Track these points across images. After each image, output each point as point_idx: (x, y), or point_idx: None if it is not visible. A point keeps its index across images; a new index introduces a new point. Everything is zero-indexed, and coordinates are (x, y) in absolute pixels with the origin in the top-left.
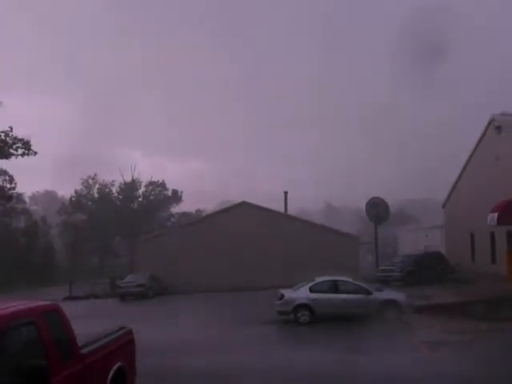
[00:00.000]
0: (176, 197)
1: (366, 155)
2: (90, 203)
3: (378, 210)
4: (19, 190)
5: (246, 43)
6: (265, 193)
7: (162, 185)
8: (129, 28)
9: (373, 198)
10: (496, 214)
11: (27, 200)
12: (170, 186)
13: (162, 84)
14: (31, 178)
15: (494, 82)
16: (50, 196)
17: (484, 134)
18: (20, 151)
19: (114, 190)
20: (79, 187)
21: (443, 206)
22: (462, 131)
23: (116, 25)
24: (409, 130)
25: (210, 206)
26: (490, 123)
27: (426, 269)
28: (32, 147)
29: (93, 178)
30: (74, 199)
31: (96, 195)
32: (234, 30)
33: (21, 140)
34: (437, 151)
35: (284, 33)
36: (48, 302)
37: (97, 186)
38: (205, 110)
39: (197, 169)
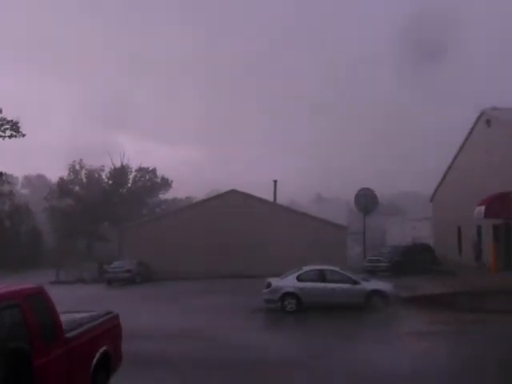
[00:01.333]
0: (166, 184)
1: (359, 148)
2: (77, 188)
3: (366, 200)
4: (8, 171)
5: (239, 32)
6: (256, 182)
7: (153, 171)
8: (118, 12)
9: (362, 189)
10: (483, 208)
11: (19, 183)
12: (161, 173)
13: (157, 71)
14: (23, 161)
15: (484, 78)
16: (41, 180)
17: (473, 128)
18: (8, 133)
19: (104, 175)
20: (66, 172)
21: (431, 199)
22: (452, 124)
23: (97, 6)
24: (400, 123)
25: (200, 194)
26: (479, 117)
27: (413, 260)
28: (20, 129)
29: (79, 163)
30: (61, 184)
31: (84, 180)
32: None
33: (9, 122)
34: (427, 145)
35: (283, 30)
36: (33, 285)
37: (84, 171)
38: (198, 98)
39: (188, 156)
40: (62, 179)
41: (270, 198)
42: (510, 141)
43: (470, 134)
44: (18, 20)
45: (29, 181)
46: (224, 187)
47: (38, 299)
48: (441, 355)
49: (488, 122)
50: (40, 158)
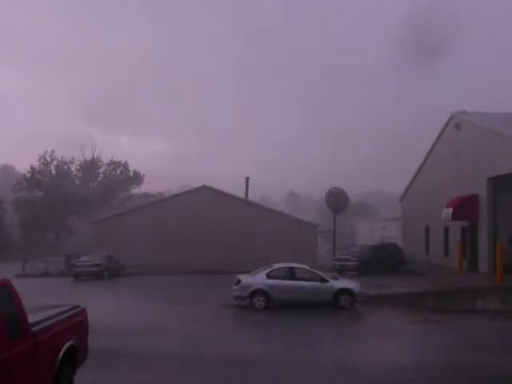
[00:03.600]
0: (138, 178)
1: (332, 146)
2: (46, 180)
3: (337, 199)
4: None
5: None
6: (228, 177)
7: (125, 165)
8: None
9: (333, 188)
10: (451, 210)
11: None
12: (133, 167)
13: (131, 63)
14: None
15: (455, 81)
16: (8, 170)
17: (443, 131)
18: None
19: (74, 167)
20: (36, 163)
21: (401, 199)
22: (425, 125)
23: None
24: (374, 123)
25: (172, 189)
26: (449, 120)
27: (382, 259)
28: None
29: (50, 155)
30: (29, 175)
31: (53, 172)
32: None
33: None
34: (400, 145)
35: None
36: None
37: (54, 162)
38: (171, 92)
39: (161, 151)
40: (32, 169)
41: (242, 194)
42: (478, 145)
43: (439, 136)
44: None
45: None
46: (196, 182)
47: (3, 292)
48: (403, 354)
49: (457, 125)
50: (7, 148)
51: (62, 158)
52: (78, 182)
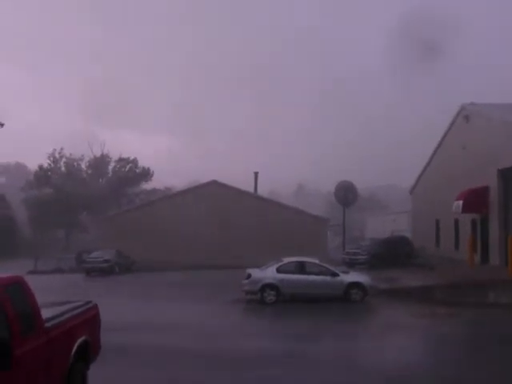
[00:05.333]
0: (146, 174)
1: (341, 140)
2: (56, 177)
3: (346, 193)
4: None
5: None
6: (237, 172)
7: (134, 161)
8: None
9: (342, 182)
10: (461, 202)
11: None
12: (142, 163)
13: (138, 61)
14: (1, 148)
15: (466, 72)
16: (20, 168)
17: (453, 123)
18: None
19: (83, 164)
20: (45, 161)
21: (410, 192)
22: (434, 118)
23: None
24: (383, 116)
25: (181, 184)
26: (459, 112)
27: (392, 253)
28: None
29: (59, 152)
30: (39, 173)
31: (63, 169)
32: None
33: None
34: (410, 138)
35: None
36: (12, 275)
37: (63, 159)
38: (180, 88)
39: (170, 147)
40: (40, 168)
41: (251, 189)
42: (488, 136)
43: (449, 128)
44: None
45: (6, 169)
46: (205, 178)
47: (16, 289)
48: (417, 347)
49: (467, 117)
50: (19, 145)
51: (70, 155)
52: (87, 179)
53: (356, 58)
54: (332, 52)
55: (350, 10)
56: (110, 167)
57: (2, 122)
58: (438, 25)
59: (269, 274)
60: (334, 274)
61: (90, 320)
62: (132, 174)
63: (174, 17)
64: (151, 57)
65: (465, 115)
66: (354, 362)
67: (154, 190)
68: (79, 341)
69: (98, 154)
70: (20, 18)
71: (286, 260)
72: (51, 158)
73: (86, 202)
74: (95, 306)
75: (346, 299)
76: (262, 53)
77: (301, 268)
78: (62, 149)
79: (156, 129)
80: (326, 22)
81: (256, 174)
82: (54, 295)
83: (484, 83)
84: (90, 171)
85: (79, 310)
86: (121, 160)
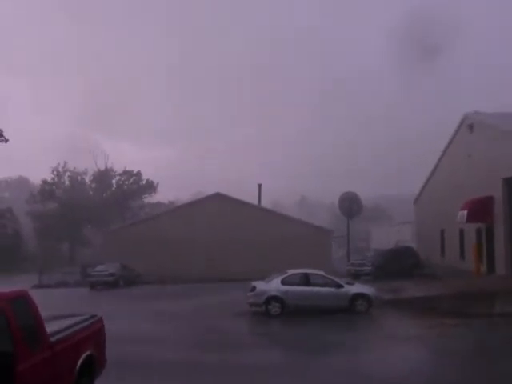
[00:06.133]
0: (151, 187)
1: (344, 150)
2: (60, 191)
3: (350, 204)
4: None
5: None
6: (241, 184)
7: (138, 174)
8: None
9: (346, 193)
10: (466, 212)
11: None
12: (146, 176)
13: (142, 73)
14: (3, 164)
15: (469, 83)
16: (23, 182)
17: (456, 132)
18: None
19: (87, 178)
20: (49, 175)
21: (414, 202)
22: (438, 128)
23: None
24: (386, 126)
25: (185, 196)
26: (462, 121)
27: (397, 263)
28: (3, 133)
29: (63, 166)
30: (43, 187)
31: (67, 183)
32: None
33: None
34: (412, 149)
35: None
36: (17, 289)
37: (67, 173)
38: (184, 101)
39: (171, 159)
40: (44, 182)
41: (255, 201)
42: (492, 145)
43: (452, 138)
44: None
45: (9, 183)
46: (209, 190)
47: (21, 303)
48: (423, 358)
49: (470, 126)
50: (22, 160)
51: (74, 168)
52: (91, 193)
53: (356, 58)
54: (332, 52)
55: (350, 10)
56: (114, 180)
57: (7, 137)
58: (437, 25)
59: (273, 286)
60: (339, 286)
61: (94, 334)
62: (136, 186)
63: (175, 17)
64: (155, 67)
65: (468, 124)
66: (359, 373)
67: (159, 204)
68: (84, 355)
69: (102, 168)
70: (19, 20)
71: (291, 272)
72: (55, 172)
73: (90, 215)
74: (100, 320)
75: (351, 310)
76: (262, 53)
77: (305, 280)
78: (65, 163)
79: (159, 142)
80: (326, 22)
81: (260, 185)
82: (58, 309)
83: (484, 83)
84: (93, 185)
85: (84, 324)
86: (125, 173)
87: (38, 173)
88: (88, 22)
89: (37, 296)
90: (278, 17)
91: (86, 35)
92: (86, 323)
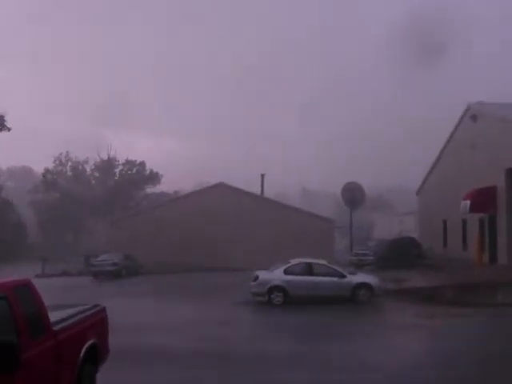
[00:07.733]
0: (154, 177)
1: (346, 140)
2: (62, 181)
3: (353, 194)
4: None
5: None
6: (243, 175)
7: (141, 164)
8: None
9: (348, 183)
10: (468, 202)
11: (2, 174)
12: (149, 166)
13: (145, 64)
14: (7, 153)
15: (470, 71)
16: (27, 172)
17: (459, 123)
18: None
19: (89, 168)
20: (51, 165)
21: (417, 193)
22: (440, 117)
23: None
24: (388, 116)
25: (188, 186)
26: (465, 112)
27: (399, 253)
28: (6, 123)
29: (65, 156)
30: (45, 177)
31: (69, 173)
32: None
33: None
34: (416, 138)
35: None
36: (20, 278)
37: (69, 163)
38: (186, 91)
39: (175, 150)
40: (46, 171)
41: (258, 191)
42: (495, 135)
43: (455, 128)
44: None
45: (13, 173)
46: (212, 180)
47: (25, 292)
48: (425, 348)
49: (474, 116)
50: (26, 149)
51: (76, 158)
52: (93, 182)
53: (356, 58)
54: (332, 52)
55: (350, 10)
56: (117, 170)
57: (9, 126)
58: (437, 24)
59: (276, 275)
60: (342, 275)
61: (97, 323)
62: (139, 176)
63: (174, 18)
64: (158, 57)
65: (472, 114)
66: (364, 362)
67: (162, 194)
68: (88, 344)
69: (105, 157)
70: (21, 20)
71: (294, 261)
72: (57, 162)
73: (92, 205)
74: (103, 309)
75: (354, 300)
76: (262, 53)
77: (308, 269)
78: (67, 152)
79: (162, 132)
80: (325, 22)
81: (263, 175)
82: (61, 298)
83: (484, 83)
84: (96, 174)
85: (87, 313)
86: (128, 163)
87: (42, 162)
88: (90, 11)
89: (40, 285)
90: (278, 17)
91: (88, 26)
92: (90, 312)
